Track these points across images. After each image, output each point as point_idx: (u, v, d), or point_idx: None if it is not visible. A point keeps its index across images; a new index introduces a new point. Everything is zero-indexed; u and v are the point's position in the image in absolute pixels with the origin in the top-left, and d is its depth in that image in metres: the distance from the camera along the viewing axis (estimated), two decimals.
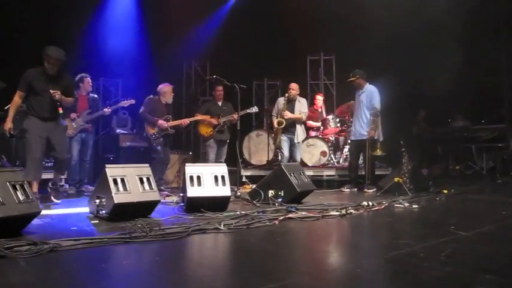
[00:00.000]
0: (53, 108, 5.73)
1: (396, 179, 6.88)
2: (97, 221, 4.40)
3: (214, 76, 7.32)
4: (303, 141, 8.51)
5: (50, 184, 6.48)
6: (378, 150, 7.52)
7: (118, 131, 9.50)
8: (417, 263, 2.84)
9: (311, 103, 9.94)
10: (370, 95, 7.74)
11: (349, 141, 8.49)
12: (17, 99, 5.67)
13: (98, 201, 4.54)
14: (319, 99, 10.02)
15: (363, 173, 7.88)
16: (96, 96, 7.91)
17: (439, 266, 2.75)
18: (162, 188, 7.17)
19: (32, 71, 5.67)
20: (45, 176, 6.86)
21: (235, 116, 7.69)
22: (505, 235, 3.87)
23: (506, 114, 10.72)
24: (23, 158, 7.84)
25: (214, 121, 7.90)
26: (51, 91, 5.59)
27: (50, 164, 7.86)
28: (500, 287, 2.40)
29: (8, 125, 5.67)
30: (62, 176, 7.14)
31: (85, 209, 4.98)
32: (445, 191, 6.98)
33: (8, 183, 3.59)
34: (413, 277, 2.57)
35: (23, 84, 5.63)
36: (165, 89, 7.61)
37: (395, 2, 9.05)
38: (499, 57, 10.46)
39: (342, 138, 9.91)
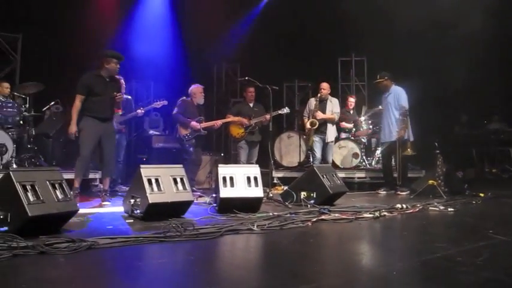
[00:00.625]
0: (111, 109, 6.11)
1: (430, 182, 6.78)
2: (132, 220, 4.47)
3: (247, 78, 7.36)
4: (334, 142, 8.45)
5: (101, 189, 6.63)
6: (409, 150, 7.42)
7: (151, 132, 9.64)
8: (453, 267, 2.79)
9: (343, 104, 9.87)
10: (397, 96, 7.65)
11: (381, 144, 8.39)
12: (78, 103, 5.87)
13: (132, 200, 4.61)
14: (352, 101, 9.92)
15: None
16: (129, 97, 8.02)
17: (476, 270, 2.69)
18: (194, 188, 7.23)
19: (89, 75, 5.97)
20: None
21: (268, 116, 7.69)
22: None
23: None
24: (59, 158, 8.09)
25: (245, 122, 7.92)
26: (116, 94, 5.91)
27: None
28: None
29: (74, 128, 5.84)
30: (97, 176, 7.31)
31: (120, 209, 5.06)
32: (481, 195, 6.82)
33: (47, 182, 3.69)
34: (450, 281, 2.53)
35: (82, 88, 5.84)
36: (195, 90, 7.67)
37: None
38: None
39: (374, 140, 9.80)
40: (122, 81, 7.67)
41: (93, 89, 5.86)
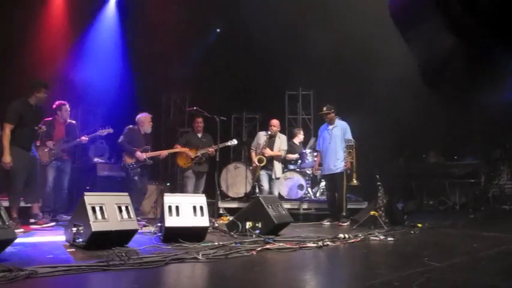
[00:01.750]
0: (33, 139, 6.14)
1: (372, 213, 7.00)
2: (73, 250, 4.36)
3: (195, 108, 7.43)
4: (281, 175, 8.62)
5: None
6: (354, 180, 7.66)
7: (96, 160, 9.45)
8: None
9: (290, 137, 10.09)
10: (344, 130, 7.95)
11: (323, 176, 8.63)
12: (8, 132, 5.74)
13: (75, 229, 4.50)
14: (300, 136, 10.15)
15: None
16: (74, 122, 7.87)
17: None
18: (139, 218, 7.11)
19: (20, 102, 5.83)
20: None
21: (212, 149, 7.78)
22: (475, 266, 3.97)
23: (478, 151, 11.04)
24: None
25: (191, 154, 7.94)
26: (40, 126, 5.91)
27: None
28: None
29: (8, 158, 5.72)
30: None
31: (61, 238, 4.92)
32: (419, 225, 7.11)
33: None
34: None
35: (14, 116, 5.73)
36: (143, 119, 7.66)
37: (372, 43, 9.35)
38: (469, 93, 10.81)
39: (319, 172, 10.01)
40: (67, 107, 7.53)
41: (23, 118, 5.78)
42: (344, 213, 7.72)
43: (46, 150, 7.16)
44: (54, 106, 7.41)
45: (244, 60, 10.98)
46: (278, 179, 8.36)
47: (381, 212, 7.01)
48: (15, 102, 5.91)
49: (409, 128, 11.07)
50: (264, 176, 8.31)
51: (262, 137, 8.45)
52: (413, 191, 11.77)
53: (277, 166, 8.33)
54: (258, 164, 8.24)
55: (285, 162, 9.29)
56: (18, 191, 5.85)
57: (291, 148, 9.67)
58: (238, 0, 10.34)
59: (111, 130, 7.65)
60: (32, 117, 5.96)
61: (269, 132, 8.37)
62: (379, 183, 7.30)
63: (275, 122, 8.47)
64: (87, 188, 8.69)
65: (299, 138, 10.07)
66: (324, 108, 8.09)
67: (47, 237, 5.29)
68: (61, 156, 7.31)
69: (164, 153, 7.86)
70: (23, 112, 5.83)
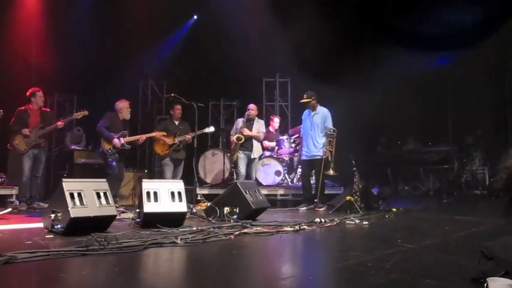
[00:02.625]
0: None
1: (348, 198, 7.14)
2: (52, 236, 4.36)
3: (173, 94, 7.42)
4: (258, 159, 8.71)
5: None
6: (331, 170, 7.77)
7: (72, 147, 9.39)
8: (365, 271, 3.01)
9: (267, 124, 10.16)
10: (325, 117, 8.01)
11: (301, 161, 8.73)
12: None
13: (53, 215, 4.50)
14: (277, 121, 10.26)
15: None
16: (48, 110, 7.78)
17: (384, 273, 2.93)
18: (117, 205, 7.12)
19: None
20: None
21: (189, 136, 7.82)
22: (446, 247, 4.12)
23: (450, 137, 11.31)
24: None
25: (169, 141, 7.96)
26: None
27: (0, 180, 7.74)
28: None
29: None
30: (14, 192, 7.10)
31: (39, 224, 4.91)
32: (394, 209, 7.29)
33: None
34: (361, 284, 2.74)
35: None
36: (122, 105, 7.64)
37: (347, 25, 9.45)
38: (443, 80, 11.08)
39: (296, 159, 10.16)
40: (41, 93, 7.46)
41: None
42: (319, 199, 7.85)
43: (23, 138, 7.10)
44: (27, 93, 7.35)
45: (222, 46, 10.97)
46: (253, 160, 8.46)
47: (356, 197, 7.16)
48: None
49: (385, 114, 11.27)
50: (241, 159, 8.40)
51: (240, 122, 8.56)
52: (389, 176, 12.00)
53: (256, 146, 8.48)
54: (236, 141, 8.33)
55: (263, 149, 9.37)
56: None
57: (268, 135, 9.76)
58: None
59: (86, 112, 7.56)
60: None
61: (246, 115, 8.47)
62: (354, 168, 7.44)
63: (252, 106, 8.61)
64: (64, 175, 8.65)
65: (274, 125, 10.16)
66: (304, 96, 8.15)
67: (25, 224, 5.28)
68: (38, 144, 7.27)
69: (142, 137, 7.84)
70: None
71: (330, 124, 7.97)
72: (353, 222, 5.85)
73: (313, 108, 8.15)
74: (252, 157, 8.46)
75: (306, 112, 8.32)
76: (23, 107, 7.35)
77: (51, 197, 5.00)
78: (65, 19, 10.25)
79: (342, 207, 7.15)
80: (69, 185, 4.48)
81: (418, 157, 11.69)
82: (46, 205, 5.47)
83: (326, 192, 8.25)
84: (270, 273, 3.21)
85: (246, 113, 8.54)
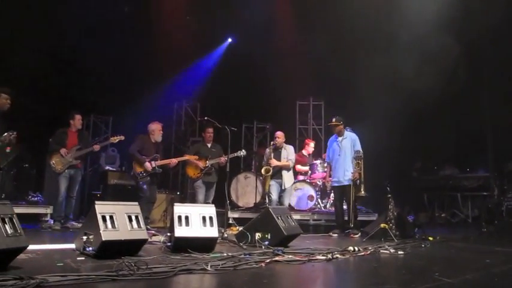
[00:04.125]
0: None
1: (382, 225, 6.95)
2: (83, 258, 4.37)
3: (206, 118, 7.47)
4: (291, 187, 8.60)
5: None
6: (362, 191, 7.62)
7: (107, 168, 9.53)
8: None
9: (300, 147, 10.07)
10: (354, 142, 7.95)
11: (332, 188, 8.59)
12: None
13: (85, 237, 4.51)
14: (311, 146, 10.17)
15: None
16: (85, 132, 7.93)
17: None
18: (148, 227, 7.14)
19: None
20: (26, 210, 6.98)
21: (223, 159, 7.80)
22: (487, 283, 3.92)
23: (490, 163, 10.94)
24: (10, 191, 7.86)
25: (201, 164, 7.97)
26: (10, 133, 6.00)
27: (35, 199, 7.88)
28: None
29: None
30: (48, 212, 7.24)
31: (71, 245, 4.94)
32: (431, 238, 7.04)
33: None
34: None
35: None
36: (154, 127, 7.72)
37: (384, 50, 9.35)
38: (482, 106, 10.78)
39: (329, 183, 9.99)
40: (79, 116, 7.61)
41: None
42: (352, 225, 7.68)
43: (60, 158, 7.24)
44: (67, 115, 7.53)
45: (256, 70, 11.03)
46: (285, 189, 8.34)
47: (391, 225, 6.96)
48: None
49: (421, 140, 11.03)
50: (273, 186, 8.32)
51: (268, 151, 8.50)
52: (425, 203, 11.67)
53: (286, 176, 8.33)
54: (265, 173, 8.27)
55: (295, 174, 9.26)
56: None
57: (301, 159, 9.66)
58: (250, 11, 10.40)
59: (122, 137, 7.72)
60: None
61: (273, 144, 8.40)
62: (389, 195, 7.26)
63: (279, 134, 8.54)
64: (98, 195, 8.76)
65: (309, 149, 10.06)
66: (333, 120, 8.07)
67: (57, 245, 5.32)
68: (75, 164, 7.39)
69: (174, 161, 7.89)
70: None
71: (358, 147, 7.90)
72: (388, 252, 5.67)
73: (341, 134, 8.06)
74: (283, 187, 8.32)
75: (332, 138, 8.25)
76: (62, 128, 7.52)
77: (84, 218, 5.02)
78: (101, 41, 10.51)
79: (376, 235, 6.95)
80: (101, 207, 4.50)
81: (456, 183, 11.34)
82: (79, 225, 5.53)
83: (359, 218, 8.08)
84: None
85: (273, 142, 8.47)
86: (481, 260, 5.24)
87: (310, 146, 10.12)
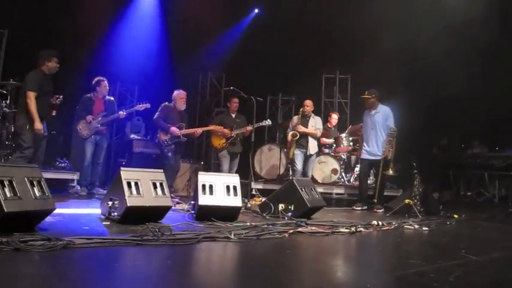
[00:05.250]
0: (49, 109, 6.44)
1: (407, 201, 6.86)
2: (108, 223, 4.43)
3: (232, 87, 7.39)
4: (315, 156, 8.52)
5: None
6: (391, 170, 7.51)
7: (132, 136, 9.59)
8: (427, 283, 2.83)
9: (325, 120, 9.95)
10: (386, 116, 7.75)
11: (360, 160, 8.48)
12: (33, 99, 5.95)
13: (110, 203, 4.57)
14: (335, 117, 10.04)
15: (371, 192, 7.89)
16: (112, 98, 7.95)
17: (448, 287, 2.74)
18: (172, 195, 7.19)
19: (37, 71, 6.05)
20: (54, 175, 7.12)
21: (249, 128, 7.73)
22: None
23: None
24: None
25: (226, 132, 7.93)
26: (56, 96, 6.03)
27: (63, 165, 8.00)
28: None
29: (39, 125, 5.97)
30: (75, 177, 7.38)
31: (97, 210, 5.01)
32: (456, 216, 6.94)
33: (26, 178, 3.64)
34: None
35: (36, 85, 5.91)
36: (177, 96, 7.71)
37: (413, 25, 9.09)
38: None
39: (353, 157, 9.92)
40: (106, 82, 7.63)
41: (42, 88, 5.95)
42: (376, 200, 7.62)
43: (87, 124, 7.31)
44: (93, 82, 7.54)
45: (282, 41, 10.87)
46: (310, 157, 8.26)
47: (416, 201, 6.87)
48: (33, 72, 6.15)
49: (450, 116, 10.80)
50: (298, 155, 8.21)
51: (295, 119, 8.38)
52: (451, 181, 11.50)
53: (312, 143, 8.22)
54: (291, 138, 8.15)
55: (320, 146, 9.18)
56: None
57: (326, 132, 9.56)
58: None
59: (148, 105, 7.73)
60: (48, 87, 6.19)
61: (302, 111, 8.27)
62: (415, 171, 7.14)
63: (308, 103, 8.37)
64: (123, 163, 8.86)
65: (332, 121, 9.94)
66: (366, 93, 7.91)
67: (83, 210, 5.41)
68: (100, 131, 7.45)
69: (199, 131, 7.87)
70: (41, 81, 6.04)
71: (391, 123, 7.69)
72: (412, 227, 5.61)
73: (373, 107, 7.88)
74: (308, 154, 8.23)
75: (366, 111, 8.07)
76: (88, 94, 7.55)
77: (110, 185, 5.08)
78: (129, 10, 10.48)
79: (400, 210, 6.89)
80: (127, 173, 4.53)
81: (484, 162, 11.10)
82: (105, 192, 5.59)
83: (384, 193, 7.98)
84: (324, 276, 3.08)
85: (301, 109, 8.33)
86: (508, 239, 5.14)
87: (334, 118, 9.98)
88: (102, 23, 9.77)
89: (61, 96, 6.51)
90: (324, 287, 2.76)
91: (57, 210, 4.04)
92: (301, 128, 8.14)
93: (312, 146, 8.23)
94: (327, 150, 9.70)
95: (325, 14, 10.19)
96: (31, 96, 5.99)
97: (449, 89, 9.80)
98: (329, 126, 9.89)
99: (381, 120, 7.76)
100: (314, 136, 8.24)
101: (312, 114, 8.37)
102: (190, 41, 10.86)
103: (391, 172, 7.53)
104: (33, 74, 6.12)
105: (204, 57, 11.58)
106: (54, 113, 6.68)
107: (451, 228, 6.00)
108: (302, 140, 8.19)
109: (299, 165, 8.20)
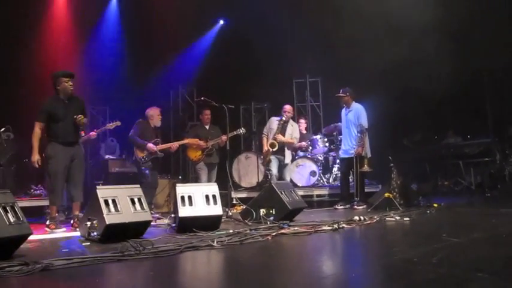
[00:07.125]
0: (75, 131, 5.92)
1: (386, 195, 6.92)
2: (88, 243, 4.35)
3: (203, 98, 7.38)
4: (291, 161, 8.53)
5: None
6: (366, 166, 7.58)
7: (107, 156, 9.49)
8: (411, 267, 2.86)
9: None
10: (358, 114, 7.82)
11: (338, 160, 8.52)
12: (37, 130, 5.71)
13: (89, 223, 4.49)
14: (302, 122, 10.09)
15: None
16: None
17: (432, 268, 2.77)
18: (153, 212, 7.10)
19: (49, 100, 5.79)
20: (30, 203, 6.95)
21: (224, 137, 7.71)
22: (496, 240, 3.90)
23: (491, 128, 10.87)
24: (11, 186, 7.81)
25: (201, 144, 7.89)
26: (76, 116, 5.69)
27: (38, 192, 7.85)
28: (492, 284, 2.43)
29: (36, 156, 5.69)
30: None
31: (76, 233, 4.93)
32: (435, 205, 7.02)
33: None
34: (408, 280, 2.59)
35: (42, 115, 5.70)
36: (153, 112, 7.64)
37: (380, 22, 9.22)
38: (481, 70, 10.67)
39: (331, 158, 9.97)
40: None
41: (53, 114, 5.71)
42: (357, 198, 7.66)
43: None
44: None
45: (250, 49, 10.90)
46: (286, 166, 8.24)
47: (395, 194, 6.94)
48: (44, 100, 5.85)
49: (423, 109, 10.97)
50: (273, 161, 8.16)
51: (274, 122, 8.25)
52: (428, 172, 11.64)
53: (288, 153, 8.24)
54: (270, 148, 8.11)
55: (295, 150, 9.19)
56: (56, 189, 5.69)
57: (301, 136, 9.58)
58: None
59: (118, 123, 7.59)
60: (64, 110, 5.75)
61: (283, 118, 8.19)
62: (391, 164, 7.22)
63: (289, 108, 8.29)
64: (100, 184, 8.71)
65: (302, 126, 9.97)
66: (340, 91, 8.00)
67: (62, 234, 5.31)
68: None
69: (175, 145, 7.82)
70: (51, 108, 5.73)
71: (363, 121, 7.76)
72: (393, 219, 5.66)
73: (348, 105, 7.98)
74: (284, 163, 8.21)
75: (343, 110, 8.15)
76: None
77: (87, 205, 4.99)
78: (93, 30, 10.39)
79: (380, 205, 6.93)
80: (103, 192, 4.47)
81: (458, 151, 11.26)
82: (82, 214, 5.48)
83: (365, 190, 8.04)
84: (310, 272, 3.07)
85: (284, 116, 8.18)
86: (487, 221, 5.23)
87: (301, 123, 10.02)
88: (68, 44, 9.68)
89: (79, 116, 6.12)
90: (310, 283, 2.75)
91: (35, 237, 3.96)
92: (281, 138, 8.06)
93: (288, 156, 8.24)
94: (302, 154, 9.72)
95: (289, 20, 10.29)
96: (35, 126, 5.78)
97: (419, 83, 9.95)
98: (300, 130, 9.91)
99: (353, 118, 7.85)
100: (290, 146, 8.26)
101: (291, 121, 8.33)
102: (158, 56, 10.83)
103: (366, 168, 7.59)
104: (42, 102, 5.83)
105: (174, 72, 11.55)
106: (83, 134, 6.49)
107: (431, 217, 6.08)
108: (279, 150, 8.11)
109: (274, 170, 8.15)
